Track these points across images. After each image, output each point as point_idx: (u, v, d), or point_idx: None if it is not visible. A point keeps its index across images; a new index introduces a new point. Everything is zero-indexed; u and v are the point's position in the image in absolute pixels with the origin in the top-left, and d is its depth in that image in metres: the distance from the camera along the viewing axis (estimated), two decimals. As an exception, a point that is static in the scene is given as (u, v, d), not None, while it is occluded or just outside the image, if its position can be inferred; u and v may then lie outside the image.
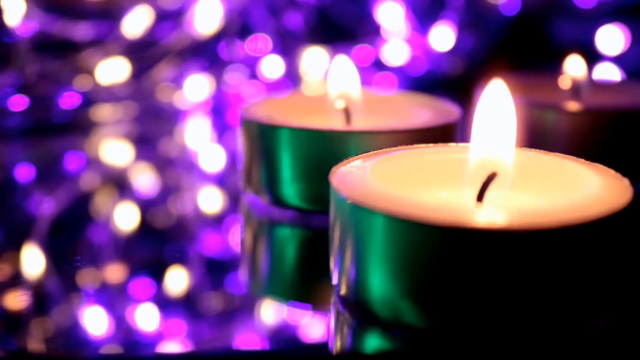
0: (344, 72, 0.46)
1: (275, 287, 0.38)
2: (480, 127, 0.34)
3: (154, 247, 0.43)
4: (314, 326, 0.33)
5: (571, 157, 0.35)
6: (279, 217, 0.43)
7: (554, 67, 0.57)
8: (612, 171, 0.33)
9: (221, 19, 0.75)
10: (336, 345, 0.31)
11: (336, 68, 0.46)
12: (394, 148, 0.36)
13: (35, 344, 0.32)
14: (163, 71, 0.74)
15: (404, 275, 0.28)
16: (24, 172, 0.56)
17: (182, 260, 0.41)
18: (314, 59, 0.79)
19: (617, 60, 0.85)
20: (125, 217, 0.46)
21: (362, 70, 0.48)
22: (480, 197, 0.32)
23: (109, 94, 0.71)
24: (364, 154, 0.35)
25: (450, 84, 0.82)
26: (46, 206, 0.49)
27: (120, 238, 0.43)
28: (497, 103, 0.34)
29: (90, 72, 0.70)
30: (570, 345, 0.29)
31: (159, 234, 0.45)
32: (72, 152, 0.61)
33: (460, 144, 0.37)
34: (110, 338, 0.32)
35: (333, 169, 0.33)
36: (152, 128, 0.69)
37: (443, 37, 0.84)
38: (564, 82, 0.53)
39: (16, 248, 0.41)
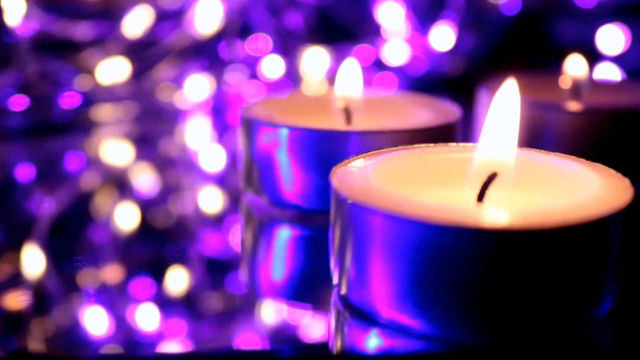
0: (351, 75, 0.46)
1: (275, 287, 0.38)
2: (490, 126, 0.34)
3: (154, 247, 0.43)
4: (314, 326, 0.33)
5: (571, 157, 0.35)
6: (279, 217, 0.43)
7: (554, 67, 0.57)
8: (612, 171, 0.33)
9: (221, 19, 0.75)
10: (336, 345, 0.31)
11: (344, 71, 0.47)
12: (394, 148, 0.36)
13: (35, 344, 0.32)
14: (163, 71, 0.74)
15: (404, 275, 0.28)
16: (24, 172, 0.56)
17: (182, 260, 0.41)
18: (314, 59, 0.79)
19: (617, 60, 0.85)
20: (126, 217, 0.46)
21: (362, 70, 0.48)
22: (480, 197, 0.32)
23: (109, 94, 0.71)
24: (364, 154, 0.35)
25: (450, 84, 0.82)
26: (46, 206, 0.49)
27: (120, 238, 0.43)
28: (508, 103, 0.34)
29: (90, 72, 0.70)
30: (571, 344, 0.29)
31: (159, 234, 0.45)
32: (72, 152, 0.61)
33: (461, 144, 0.37)
34: (110, 338, 0.32)
35: (333, 169, 0.33)
36: (152, 128, 0.69)
37: (443, 37, 0.84)
38: (565, 82, 0.53)
39: (16, 248, 0.41)
